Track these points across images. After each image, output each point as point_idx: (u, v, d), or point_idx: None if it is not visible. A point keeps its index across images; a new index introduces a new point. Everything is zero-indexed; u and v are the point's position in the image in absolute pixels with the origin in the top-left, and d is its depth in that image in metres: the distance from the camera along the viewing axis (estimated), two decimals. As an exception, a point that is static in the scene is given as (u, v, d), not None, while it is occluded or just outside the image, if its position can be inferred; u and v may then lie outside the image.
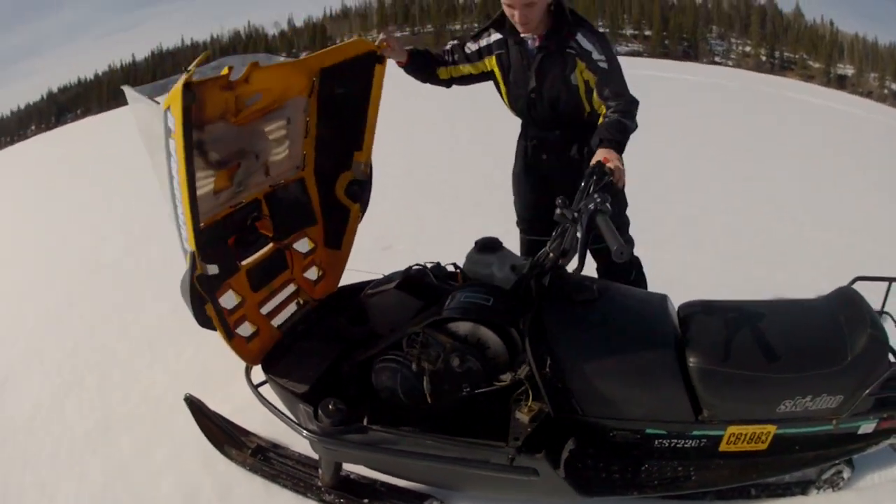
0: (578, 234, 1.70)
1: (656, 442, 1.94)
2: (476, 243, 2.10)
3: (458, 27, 72.04)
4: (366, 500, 2.11)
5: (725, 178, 6.47)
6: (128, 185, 7.95)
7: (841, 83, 53.25)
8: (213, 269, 2.01)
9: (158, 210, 5.53)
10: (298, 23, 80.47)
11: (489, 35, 2.39)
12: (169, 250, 4.51)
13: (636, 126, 2.18)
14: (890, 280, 2.09)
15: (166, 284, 3.96)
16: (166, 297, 3.73)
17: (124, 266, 4.74)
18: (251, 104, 2.00)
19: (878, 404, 1.88)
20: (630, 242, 2.57)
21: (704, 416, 1.88)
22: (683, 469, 1.93)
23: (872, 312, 1.93)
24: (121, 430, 2.70)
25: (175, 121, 1.67)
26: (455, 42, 2.55)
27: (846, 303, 1.98)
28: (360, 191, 2.52)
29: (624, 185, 1.97)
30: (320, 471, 2.18)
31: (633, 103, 2.19)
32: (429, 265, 2.28)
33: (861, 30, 59.67)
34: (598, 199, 1.69)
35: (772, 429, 1.88)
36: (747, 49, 61.08)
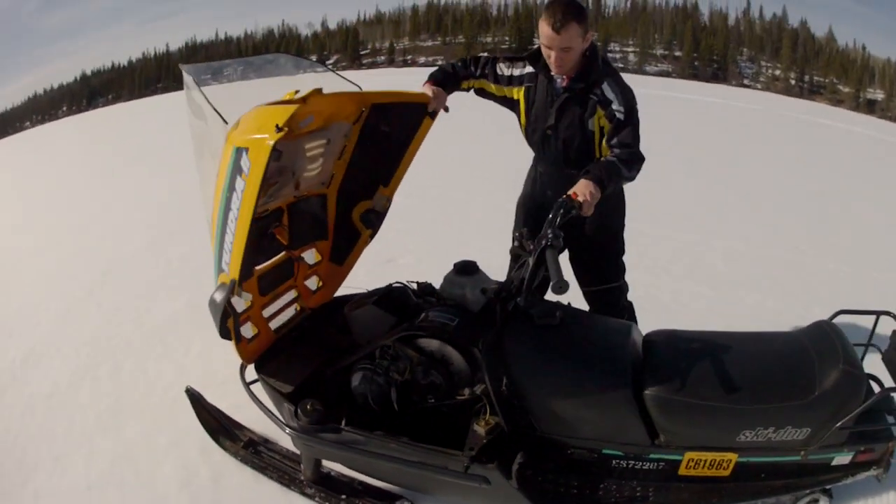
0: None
1: (613, 462, 2.04)
2: (455, 265, 2.27)
3: (489, 39, 71.88)
4: (343, 497, 2.30)
5: (733, 202, 6.54)
6: (153, 178, 8.38)
7: (870, 108, 52.26)
8: (246, 298, 2.18)
9: (182, 209, 6.03)
10: (332, 25, 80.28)
11: (523, 66, 2.46)
12: (187, 250, 5.04)
13: (631, 177, 2.27)
14: (877, 313, 2.16)
15: (181, 282, 4.39)
16: (180, 295, 4.15)
17: (144, 262, 5.03)
18: (304, 126, 2.09)
19: (854, 437, 1.93)
20: (622, 271, 2.70)
21: (661, 441, 1.97)
22: (642, 489, 2.00)
23: (848, 347, 1.97)
24: (129, 415, 2.96)
25: (252, 168, 1.84)
26: (488, 56, 2.59)
27: (821, 336, 2.03)
28: (375, 220, 2.67)
29: (588, 215, 2.10)
30: (302, 466, 2.39)
31: (636, 156, 2.27)
32: (414, 284, 2.46)
33: (894, 55, 59.39)
34: (551, 236, 1.87)
35: (733, 457, 1.96)
36: (777, 72, 60.60)
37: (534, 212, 2.67)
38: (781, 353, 2.05)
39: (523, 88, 2.47)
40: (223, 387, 2.86)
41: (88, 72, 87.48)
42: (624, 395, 1.93)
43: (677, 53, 63.52)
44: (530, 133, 2.53)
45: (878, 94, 56.08)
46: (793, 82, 58.21)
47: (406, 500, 2.29)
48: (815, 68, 59.03)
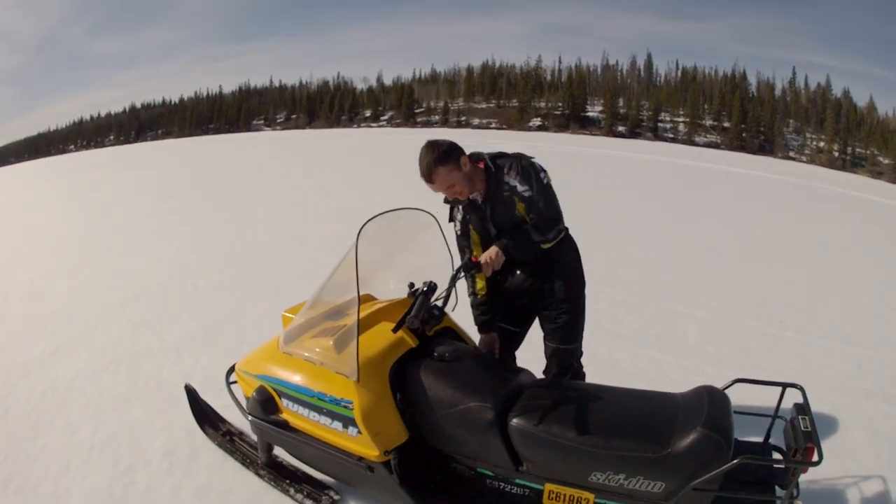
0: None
1: (487, 481, 2.31)
2: (424, 283, 2.55)
3: (542, 104, 72.58)
4: (287, 481, 2.77)
5: (732, 276, 6.48)
6: (190, 214, 9.59)
7: None
8: None
9: (212, 245, 6.83)
10: (387, 81, 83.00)
11: (458, 210, 2.73)
12: (210, 282, 5.93)
13: (546, 239, 2.55)
14: (782, 385, 2.26)
15: (202, 309, 5.14)
16: (199, 318, 4.88)
17: (173, 287, 5.79)
18: None
19: (719, 501, 2.00)
20: (576, 334, 2.82)
21: (524, 469, 2.20)
22: None
23: (719, 412, 2.02)
24: (137, 401, 3.58)
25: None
26: (456, 231, 2.81)
27: (696, 399, 2.11)
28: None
29: (488, 275, 2.54)
30: (259, 452, 2.87)
31: (547, 221, 2.56)
32: None
33: None
34: (431, 283, 2.48)
35: (590, 496, 2.12)
36: (821, 144, 59.35)
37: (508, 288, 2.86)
38: (651, 410, 2.16)
39: (470, 225, 2.73)
40: (218, 391, 3.34)
41: (138, 104, 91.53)
42: (489, 420, 2.18)
43: (726, 124, 63.34)
44: (488, 245, 2.67)
45: None
46: (836, 154, 56.84)
47: (333, 491, 2.71)
48: (857, 139, 57.68)
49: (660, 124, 66.00)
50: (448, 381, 2.32)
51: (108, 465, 2.97)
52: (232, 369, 2.95)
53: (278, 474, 2.81)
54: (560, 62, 77.65)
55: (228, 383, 2.95)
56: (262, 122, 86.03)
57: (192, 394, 3.28)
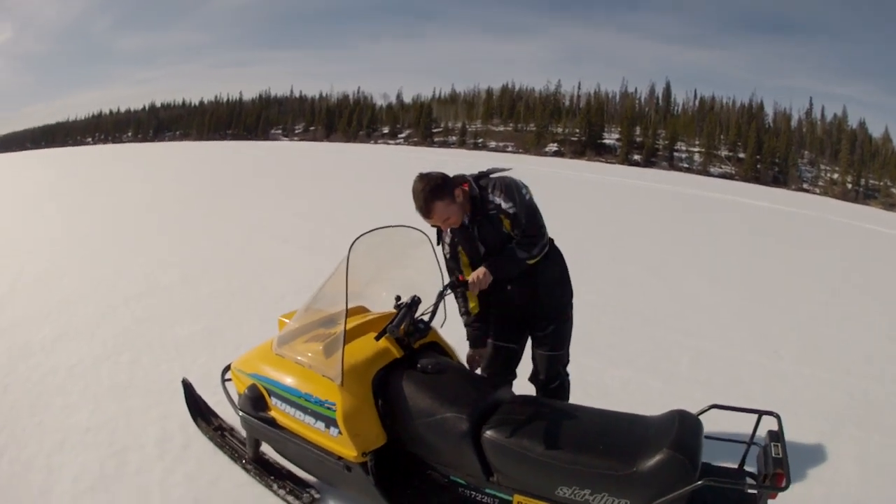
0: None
1: (459, 489, 2.39)
2: (410, 297, 2.69)
3: (560, 129, 73.33)
4: (271, 477, 2.86)
5: (732, 307, 6.47)
6: (202, 220, 9.81)
7: None
8: None
9: (217, 254, 7.05)
10: (407, 98, 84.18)
11: (446, 233, 2.83)
12: (214, 288, 6.10)
13: (531, 255, 2.67)
14: (759, 413, 2.26)
15: (204, 312, 5.25)
16: (201, 321, 4.99)
17: (177, 290, 5.91)
18: None
19: None
20: (563, 342, 2.92)
21: (495, 479, 2.28)
22: None
23: (688, 435, 2.07)
24: (135, 391, 3.69)
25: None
26: (445, 254, 2.91)
27: (667, 422, 2.14)
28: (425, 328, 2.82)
29: (475, 293, 2.71)
30: (247, 447, 2.97)
31: (531, 237, 2.66)
32: None
33: None
34: (415, 297, 2.65)
35: None
36: (835, 176, 59.39)
37: (503, 305, 2.93)
38: (621, 429, 2.21)
39: (459, 247, 2.83)
40: (213, 389, 3.47)
41: (158, 103, 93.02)
42: (464, 431, 2.28)
43: (741, 155, 63.30)
44: (478, 265, 2.77)
45: None
46: (849, 186, 56.97)
47: (314, 490, 2.79)
48: (871, 171, 57.55)
49: (675, 153, 65.82)
50: (428, 391, 2.42)
51: (102, 446, 3.09)
52: (228, 368, 3.10)
53: (264, 470, 2.91)
54: (579, 88, 77.86)
55: (223, 381, 3.10)
56: (279, 131, 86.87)
57: (188, 388, 3.41)
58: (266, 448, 2.95)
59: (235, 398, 2.92)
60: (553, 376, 2.92)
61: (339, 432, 2.39)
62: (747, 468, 2.29)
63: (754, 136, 62.03)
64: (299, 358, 2.64)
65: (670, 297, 6.60)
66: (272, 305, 5.36)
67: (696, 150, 65.99)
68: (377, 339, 2.58)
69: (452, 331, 2.98)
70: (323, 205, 12.26)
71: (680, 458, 1.96)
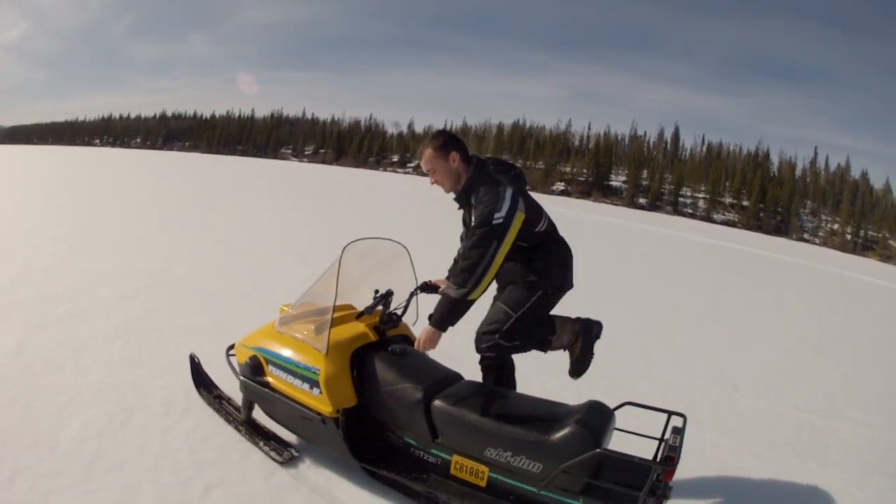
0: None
1: (411, 449, 2.87)
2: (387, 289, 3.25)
3: (567, 168, 74.37)
4: (259, 437, 3.24)
5: (700, 344, 6.72)
6: (203, 226, 10.29)
7: None
8: None
9: (225, 254, 7.53)
10: (418, 128, 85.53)
11: (458, 207, 3.01)
12: (220, 286, 6.56)
13: (467, 290, 2.67)
14: (668, 413, 2.74)
15: (211, 305, 5.66)
16: (208, 313, 5.38)
17: (186, 284, 6.35)
18: None
19: (591, 489, 2.41)
20: (509, 333, 2.94)
21: (439, 441, 2.74)
22: (426, 476, 2.78)
23: (596, 417, 2.51)
24: (144, 364, 4.06)
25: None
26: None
27: (583, 407, 2.59)
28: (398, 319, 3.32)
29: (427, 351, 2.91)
30: (241, 410, 3.36)
31: (467, 266, 2.68)
32: None
33: None
34: (389, 290, 3.14)
35: (485, 469, 2.62)
36: (835, 227, 60.11)
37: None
38: (542, 409, 2.69)
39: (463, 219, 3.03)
40: (215, 368, 3.85)
41: (169, 113, 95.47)
42: (417, 399, 2.77)
43: (745, 203, 63.86)
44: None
45: None
46: (849, 237, 57.61)
47: (293, 449, 3.18)
48: (870, 222, 58.27)
49: (680, 199, 66.51)
50: (392, 366, 2.93)
51: (111, 403, 3.45)
52: (232, 346, 3.54)
53: (253, 431, 3.30)
54: (589, 128, 79.40)
55: (228, 356, 3.52)
56: (289, 151, 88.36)
57: (194, 361, 3.81)
58: (257, 415, 3.35)
59: (237, 370, 3.35)
60: (477, 350, 3.04)
61: (320, 391, 2.88)
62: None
63: (759, 185, 62.46)
64: (295, 334, 3.12)
65: (642, 330, 6.87)
66: (275, 309, 5.72)
67: (701, 195, 66.47)
68: (357, 318, 3.15)
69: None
70: (326, 223, 12.63)
71: (583, 432, 2.40)
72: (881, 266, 33.48)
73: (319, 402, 2.89)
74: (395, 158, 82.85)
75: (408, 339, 3.31)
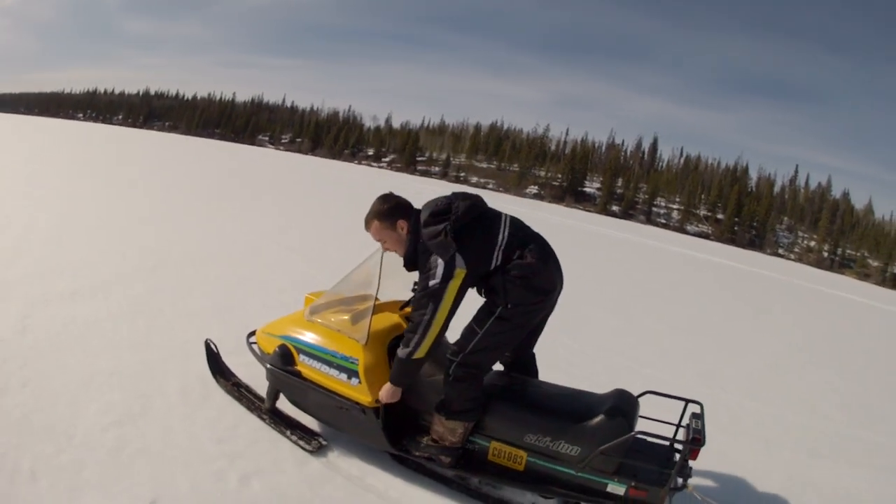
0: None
1: None
2: None
3: (542, 172, 74.57)
4: (283, 426, 3.17)
5: (687, 349, 6.91)
6: (214, 212, 10.10)
7: None
8: None
9: (225, 241, 7.49)
10: (395, 124, 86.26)
11: None
12: (219, 272, 6.39)
13: (413, 349, 2.68)
14: (685, 400, 2.89)
15: (212, 289, 5.55)
16: (210, 297, 5.27)
17: (185, 270, 6.13)
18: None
19: (624, 469, 2.60)
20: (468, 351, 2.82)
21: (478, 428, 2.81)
22: (462, 461, 2.84)
23: (625, 404, 2.69)
24: (154, 348, 3.92)
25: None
26: None
27: (613, 394, 2.79)
28: None
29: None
30: (266, 398, 3.27)
31: (412, 331, 2.69)
32: None
33: None
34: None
35: (524, 454, 2.74)
36: (812, 244, 61.20)
37: None
38: (577, 397, 2.86)
39: None
40: (227, 354, 3.76)
41: (152, 91, 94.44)
42: None
43: (720, 216, 64.77)
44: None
45: None
46: (825, 254, 58.52)
47: (321, 438, 3.14)
48: (849, 241, 59.48)
49: (654, 208, 67.45)
50: (430, 358, 2.85)
51: (126, 389, 3.30)
52: (252, 333, 3.47)
53: (278, 419, 3.23)
54: (567, 133, 80.00)
55: (249, 343, 3.44)
56: (266, 138, 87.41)
57: (210, 348, 3.69)
58: (280, 404, 3.28)
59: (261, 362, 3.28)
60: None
61: (359, 382, 2.87)
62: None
63: (735, 199, 63.37)
64: (330, 323, 3.06)
65: (629, 334, 7.04)
66: (273, 294, 5.69)
67: (676, 206, 67.45)
68: (401, 308, 3.16)
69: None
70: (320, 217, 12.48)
71: (619, 418, 2.62)
72: (857, 284, 34.56)
73: (359, 392, 2.86)
74: (371, 152, 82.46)
75: None
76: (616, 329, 7.08)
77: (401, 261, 2.91)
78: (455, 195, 2.84)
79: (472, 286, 2.79)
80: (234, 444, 2.94)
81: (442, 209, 2.74)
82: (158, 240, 7.28)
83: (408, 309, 3.23)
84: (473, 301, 2.82)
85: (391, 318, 3.14)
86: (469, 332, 2.79)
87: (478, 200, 2.84)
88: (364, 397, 2.84)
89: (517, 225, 2.84)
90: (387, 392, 2.81)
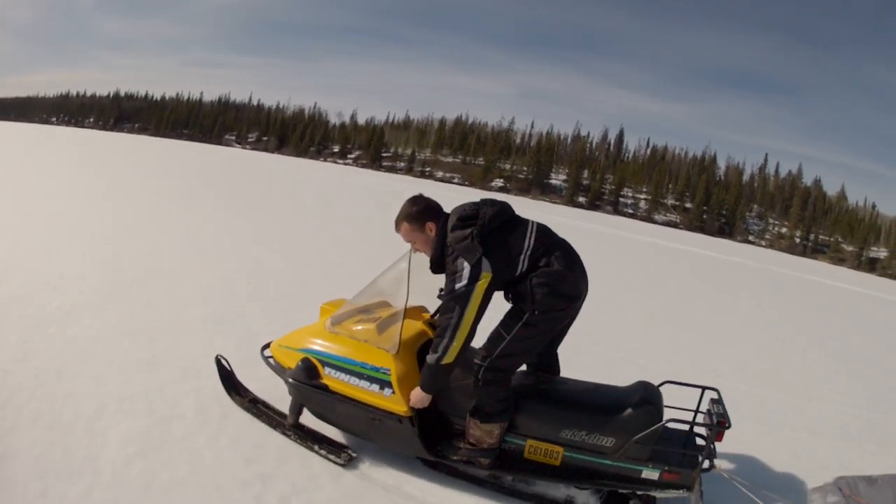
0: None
1: None
2: None
3: (508, 166, 75.41)
4: (311, 440, 3.13)
5: (674, 340, 7.08)
6: (168, 218, 9.80)
7: (872, 266, 54.46)
8: None
9: (219, 246, 7.34)
10: (360, 120, 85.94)
11: None
12: (213, 279, 6.24)
13: (440, 355, 2.71)
14: (702, 388, 3.05)
15: (210, 298, 5.44)
16: (208, 307, 5.16)
17: (179, 278, 5.99)
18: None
19: (656, 455, 2.76)
20: (496, 355, 2.85)
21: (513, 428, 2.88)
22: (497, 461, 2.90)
23: (652, 394, 2.87)
24: (162, 367, 3.80)
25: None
26: None
27: (638, 386, 2.94)
28: None
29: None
30: (288, 414, 3.21)
31: (440, 336, 2.72)
32: None
33: None
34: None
35: (560, 449, 2.84)
36: (783, 230, 62.79)
37: None
38: (606, 391, 3.02)
39: None
40: (237, 370, 3.67)
41: (122, 92, 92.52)
42: None
43: (688, 205, 65.89)
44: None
45: (882, 253, 58.49)
46: (797, 240, 60.19)
47: (350, 450, 3.11)
48: (822, 227, 61.22)
49: (621, 199, 68.54)
50: (459, 362, 2.89)
51: (142, 414, 3.18)
52: (266, 346, 3.39)
53: (304, 434, 3.18)
54: (532, 127, 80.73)
55: (265, 357, 3.35)
56: (234, 137, 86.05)
57: (221, 364, 3.60)
58: (302, 418, 3.23)
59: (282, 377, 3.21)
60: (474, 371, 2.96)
61: (393, 392, 2.88)
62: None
63: (703, 188, 64.55)
64: (356, 334, 3.04)
65: (615, 328, 7.17)
66: (271, 301, 5.59)
67: (643, 197, 68.52)
68: (433, 316, 3.16)
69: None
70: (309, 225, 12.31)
71: (650, 407, 2.78)
72: (832, 268, 35.59)
73: (393, 402, 2.87)
74: (336, 149, 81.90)
75: None
76: (604, 324, 7.12)
77: (420, 267, 2.95)
78: (483, 201, 2.88)
79: (499, 290, 2.81)
80: (264, 464, 2.88)
81: (469, 214, 2.78)
82: (144, 249, 7.07)
83: (426, 314, 3.27)
84: (499, 307, 2.84)
85: (416, 326, 3.14)
86: (496, 336, 2.82)
87: (505, 207, 2.89)
88: (400, 407, 2.86)
89: (543, 231, 2.89)
90: (417, 398, 2.83)
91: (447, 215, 2.87)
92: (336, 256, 8.68)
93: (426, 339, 3.08)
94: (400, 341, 2.92)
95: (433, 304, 3.30)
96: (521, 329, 2.78)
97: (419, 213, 2.87)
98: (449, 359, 2.71)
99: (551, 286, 2.74)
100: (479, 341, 2.87)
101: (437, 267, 2.87)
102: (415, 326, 3.12)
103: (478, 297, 2.67)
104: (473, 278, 2.66)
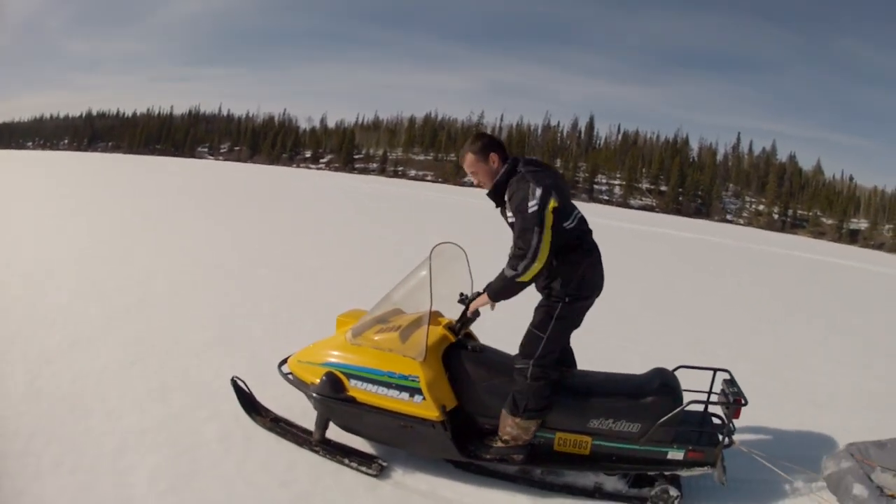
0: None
1: None
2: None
3: (482, 161, 75.42)
4: (338, 454, 3.13)
5: (667, 324, 7.26)
6: (152, 238, 9.58)
7: (853, 237, 55.39)
8: None
9: (211, 266, 7.45)
10: (330, 124, 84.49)
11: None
12: (211, 300, 6.10)
13: (518, 273, 2.79)
14: (713, 370, 3.23)
15: (210, 321, 5.32)
16: (210, 330, 5.05)
17: (175, 301, 5.87)
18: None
19: (679, 436, 2.92)
20: (537, 356, 2.98)
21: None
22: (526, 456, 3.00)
23: (670, 380, 3.05)
24: (175, 394, 3.74)
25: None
26: None
27: (656, 373, 3.12)
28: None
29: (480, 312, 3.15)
30: (314, 430, 3.20)
31: (518, 254, 2.80)
32: None
33: (881, 182, 62.43)
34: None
35: (588, 439, 2.98)
36: (761, 207, 63.34)
37: None
38: (626, 380, 3.16)
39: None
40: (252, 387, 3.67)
41: (94, 112, 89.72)
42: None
43: (663, 188, 66.19)
44: None
45: (862, 224, 59.39)
46: (776, 217, 60.96)
47: (381, 459, 3.14)
48: (799, 202, 61.94)
49: (595, 186, 68.84)
50: (482, 364, 3.11)
51: (165, 446, 3.11)
52: (283, 362, 3.39)
53: (332, 448, 3.19)
54: (502, 119, 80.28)
55: (284, 374, 3.33)
56: (206, 149, 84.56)
57: (238, 386, 3.58)
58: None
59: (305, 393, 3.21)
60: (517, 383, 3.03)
61: (423, 398, 2.94)
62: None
63: (677, 170, 65.09)
64: (380, 344, 3.07)
65: (610, 316, 7.04)
66: (267, 321, 5.56)
67: (617, 182, 68.83)
68: (458, 324, 3.19)
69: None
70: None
71: (670, 392, 2.97)
72: (813, 242, 36.13)
73: (424, 408, 2.94)
74: (308, 154, 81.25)
75: (471, 337, 3.40)
76: (596, 313, 7.17)
77: (437, 275, 3.02)
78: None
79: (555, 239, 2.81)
80: (299, 485, 2.88)
81: (537, 161, 3.04)
82: (134, 272, 6.92)
83: (444, 319, 3.29)
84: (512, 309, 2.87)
85: (438, 331, 3.17)
86: (534, 338, 2.95)
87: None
88: (432, 413, 2.92)
89: (583, 219, 3.06)
90: (481, 301, 3.03)
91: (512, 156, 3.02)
92: (316, 260, 8.62)
93: (449, 343, 3.14)
94: (427, 348, 2.98)
95: (448, 312, 3.31)
96: (555, 326, 2.94)
97: (483, 145, 3.00)
98: (527, 277, 2.80)
99: (584, 270, 2.98)
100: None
101: (496, 195, 2.98)
102: (436, 332, 3.15)
103: (549, 220, 2.77)
104: (544, 201, 2.76)
